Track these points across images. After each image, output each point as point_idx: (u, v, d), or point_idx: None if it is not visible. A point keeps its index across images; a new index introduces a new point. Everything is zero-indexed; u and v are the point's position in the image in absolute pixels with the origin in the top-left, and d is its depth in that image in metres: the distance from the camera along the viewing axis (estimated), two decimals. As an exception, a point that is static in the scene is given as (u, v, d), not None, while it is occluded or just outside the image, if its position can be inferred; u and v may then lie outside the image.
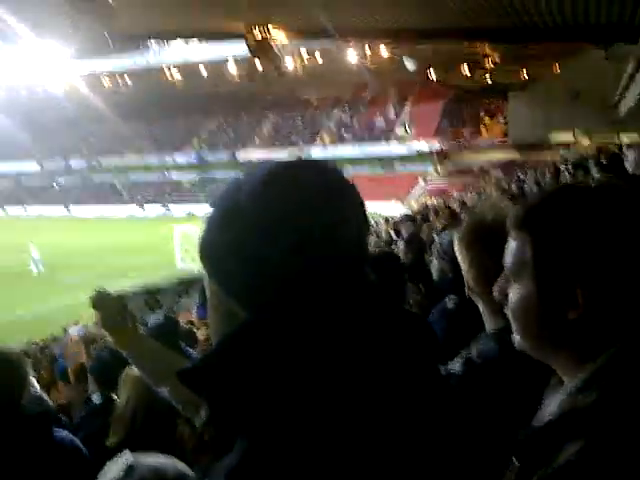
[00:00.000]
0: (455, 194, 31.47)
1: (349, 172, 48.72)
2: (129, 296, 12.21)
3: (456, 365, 1.52)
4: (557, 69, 24.74)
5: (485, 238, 1.51)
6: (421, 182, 45.37)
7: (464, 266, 1.60)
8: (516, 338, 1.00)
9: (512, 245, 0.98)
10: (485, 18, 12.15)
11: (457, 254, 1.62)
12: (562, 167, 9.67)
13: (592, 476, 0.79)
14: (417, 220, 14.53)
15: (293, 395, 0.78)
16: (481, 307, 1.62)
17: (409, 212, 25.34)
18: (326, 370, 0.80)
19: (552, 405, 0.94)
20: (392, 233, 12.65)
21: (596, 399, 0.84)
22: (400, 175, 46.56)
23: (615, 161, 5.06)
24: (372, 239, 14.43)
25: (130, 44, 40.94)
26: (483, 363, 1.47)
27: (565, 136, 31.91)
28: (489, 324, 1.58)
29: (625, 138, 25.18)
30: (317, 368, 0.80)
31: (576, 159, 10.76)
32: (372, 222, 23.72)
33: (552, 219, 0.92)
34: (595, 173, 5.13)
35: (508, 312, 1.00)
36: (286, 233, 0.81)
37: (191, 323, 7.35)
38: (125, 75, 50.49)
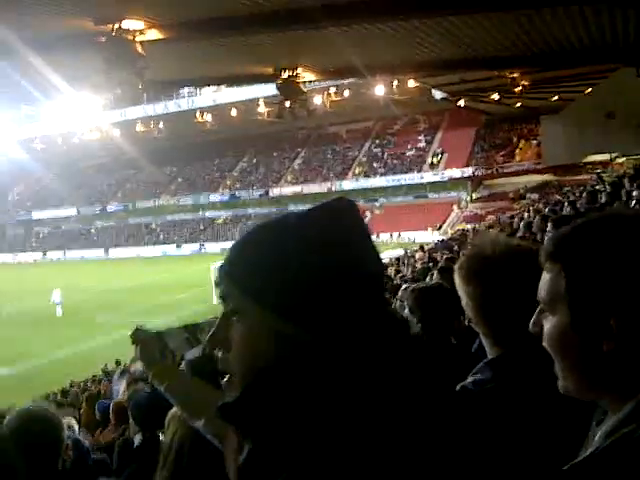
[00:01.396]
0: (491, 219, 31.17)
1: (382, 203, 49.01)
2: (169, 332, 12.36)
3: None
4: (589, 91, 24.47)
5: (483, 271, 1.53)
6: (455, 209, 45.12)
7: (463, 298, 1.61)
8: (560, 382, 0.98)
9: (546, 277, 0.98)
10: (511, 48, 12.17)
11: (457, 286, 1.63)
12: (599, 187, 9.51)
13: None
14: (453, 247, 14.40)
15: (339, 430, 0.77)
16: (482, 338, 1.64)
17: (444, 238, 25.16)
18: (372, 404, 0.80)
19: (598, 436, 0.92)
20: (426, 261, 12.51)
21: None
22: (434, 203, 46.40)
23: None
24: (409, 269, 14.29)
25: (163, 91, 42.10)
26: (478, 391, 1.47)
27: (600, 156, 31.43)
28: (489, 355, 1.60)
29: (663, 155, 24.67)
30: (364, 401, 0.79)
31: (613, 179, 10.56)
32: (407, 252, 23.57)
33: (584, 249, 0.92)
34: (634, 191, 5.02)
35: (545, 346, 0.98)
36: (329, 258, 0.83)
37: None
38: (159, 120, 51.82)
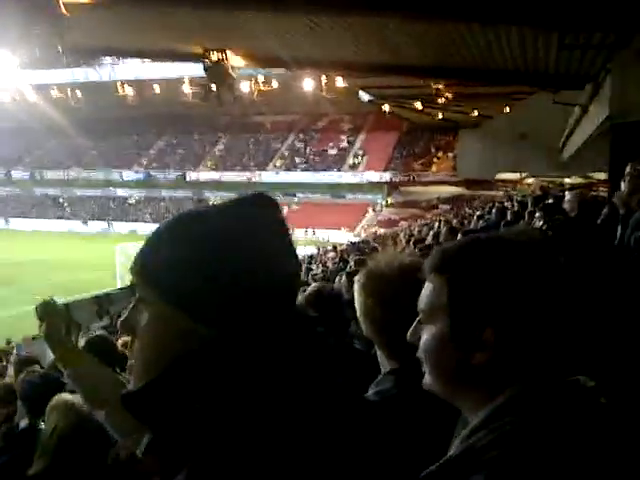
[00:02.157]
0: (403, 224, 31.91)
1: (300, 198, 49.19)
2: (77, 304, 11.83)
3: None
4: (507, 110, 25.50)
5: (377, 288, 1.57)
6: (371, 212, 45.90)
7: (358, 312, 1.64)
8: (426, 379, 1.03)
9: (428, 288, 1.02)
10: (440, 59, 12.45)
11: (355, 298, 1.66)
12: (507, 204, 9.87)
13: None
14: (365, 250, 14.58)
15: (238, 426, 0.79)
16: (377, 350, 1.66)
17: (357, 240, 25.52)
18: (275, 396, 0.81)
19: (455, 443, 0.97)
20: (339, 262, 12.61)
21: (493, 438, 0.88)
22: (351, 204, 47.00)
23: (556, 203, 5.21)
24: (320, 268, 14.35)
25: (83, 58, 40.33)
26: (380, 400, 1.50)
27: (511, 175, 32.86)
28: (384, 368, 1.62)
29: (567, 179, 26.11)
30: (267, 393, 0.81)
31: (521, 198, 11.02)
32: (320, 250, 23.73)
33: (468, 264, 0.97)
34: (537, 213, 5.23)
35: (420, 354, 1.03)
36: (236, 257, 0.84)
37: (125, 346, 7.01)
38: (76, 88, 49.54)
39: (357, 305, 1.63)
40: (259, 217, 0.89)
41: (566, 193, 5.57)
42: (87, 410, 1.77)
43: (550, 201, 5.85)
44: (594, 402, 0.93)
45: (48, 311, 1.75)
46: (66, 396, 2.53)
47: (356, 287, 1.64)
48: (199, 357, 0.83)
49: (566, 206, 5.01)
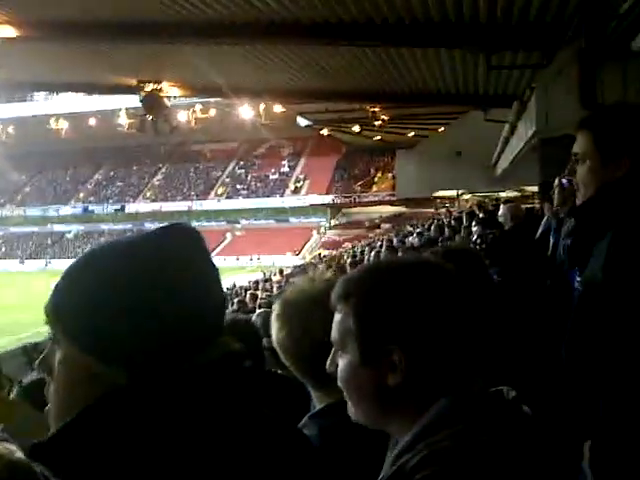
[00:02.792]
0: (347, 246, 32.17)
1: (243, 225, 49.01)
2: (6, 357, 11.32)
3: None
4: (441, 129, 26.19)
5: (289, 318, 1.52)
6: (315, 234, 46.10)
7: (274, 343, 1.57)
8: (349, 410, 1.04)
9: (337, 318, 1.04)
10: (375, 83, 12.72)
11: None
12: (446, 221, 10.11)
13: None
14: (309, 272, 14.58)
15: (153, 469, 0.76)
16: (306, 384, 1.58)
17: (303, 263, 25.54)
18: (187, 444, 0.78)
19: (386, 466, 0.98)
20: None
21: (424, 456, 0.88)
22: (295, 228, 47.10)
23: (490, 217, 5.38)
24: (264, 294, 14.28)
25: (15, 92, 39.33)
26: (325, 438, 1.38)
27: (449, 192, 33.63)
28: (316, 403, 1.54)
29: (502, 194, 26.92)
30: (181, 440, 0.78)
31: (458, 214, 11.30)
32: (265, 275, 23.61)
33: (368, 289, 1.00)
34: (473, 227, 5.39)
35: (339, 384, 1.04)
36: (130, 300, 0.80)
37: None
38: (9, 124, 48.21)
39: (273, 338, 1.57)
40: (176, 248, 0.86)
41: (500, 207, 5.76)
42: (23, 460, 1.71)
43: (484, 215, 6.04)
44: (518, 412, 0.96)
45: None
46: None
47: (272, 318, 1.58)
48: (106, 404, 0.79)
49: (501, 219, 5.19)
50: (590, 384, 1.60)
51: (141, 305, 0.80)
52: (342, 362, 1.03)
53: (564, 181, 4.72)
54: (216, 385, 0.84)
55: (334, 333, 1.04)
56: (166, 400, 0.79)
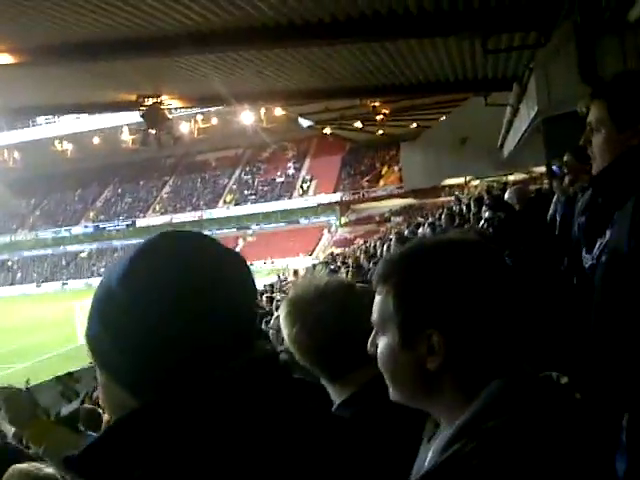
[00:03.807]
0: (359, 242, 32.16)
1: (254, 230, 49.09)
2: (38, 388, 11.31)
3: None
4: (444, 118, 26.09)
5: (299, 313, 1.53)
6: (326, 234, 46.09)
7: (288, 344, 1.58)
8: (390, 392, 1.03)
9: (377, 299, 1.03)
10: (373, 78, 12.70)
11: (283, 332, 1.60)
12: (455, 208, 10.08)
13: None
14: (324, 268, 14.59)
15: None
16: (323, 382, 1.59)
17: (315, 263, 25.55)
18: (212, 458, 0.76)
19: (430, 456, 0.96)
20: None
21: (474, 447, 0.85)
22: (305, 228, 47.12)
23: (498, 200, 5.37)
24: (280, 295, 14.29)
25: (17, 119, 39.65)
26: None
27: (457, 179, 33.53)
28: (333, 395, 1.54)
29: (511, 177, 26.79)
30: (204, 456, 0.76)
31: (467, 201, 11.27)
32: (281, 277, 23.65)
33: (409, 270, 0.98)
34: (484, 212, 5.39)
35: (379, 366, 1.03)
36: (161, 314, 0.79)
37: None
38: (13, 149, 48.64)
39: (286, 337, 1.57)
40: (194, 257, 0.84)
41: (507, 190, 5.75)
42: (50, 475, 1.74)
43: (491, 200, 6.03)
44: (571, 399, 0.94)
45: (9, 400, 1.72)
46: (22, 465, 2.48)
47: (281, 319, 1.59)
48: (124, 427, 0.79)
49: (508, 202, 5.18)
50: (622, 357, 1.56)
51: (175, 333, 0.79)
52: (381, 344, 1.01)
53: (554, 168, 4.69)
54: (257, 388, 0.83)
55: (374, 314, 1.03)
56: (199, 409, 0.78)
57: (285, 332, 1.57)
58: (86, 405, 3.95)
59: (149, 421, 0.78)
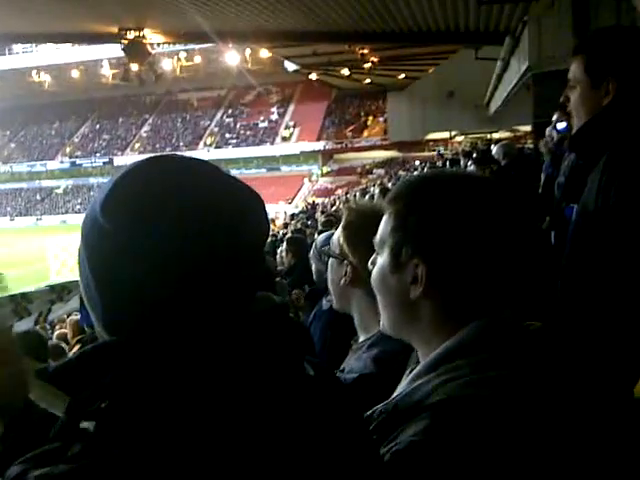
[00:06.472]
0: (341, 193, 32.03)
1: (234, 174, 48.34)
2: None
3: (361, 364, 1.45)
4: (432, 70, 25.75)
5: (369, 229, 1.45)
6: (307, 182, 45.86)
7: (353, 259, 1.55)
8: (381, 315, 1.03)
9: (383, 218, 1.03)
10: (363, 23, 12.41)
11: (344, 248, 1.57)
12: (439, 163, 10.00)
13: (436, 454, 0.81)
14: (302, 220, 14.56)
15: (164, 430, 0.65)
16: (364, 300, 1.53)
17: (296, 212, 25.48)
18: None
19: (403, 385, 0.98)
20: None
21: (442, 381, 0.87)
22: (286, 176, 46.80)
23: (485, 155, 5.34)
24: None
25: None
26: (390, 359, 1.37)
27: (442, 134, 33.37)
28: (373, 320, 1.45)
29: (496, 135, 26.71)
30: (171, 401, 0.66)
31: (452, 155, 11.20)
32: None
33: (412, 199, 0.97)
34: (469, 166, 5.34)
35: (372, 286, 1.04)
36: (146, 242, 0.69)
37: (64, 339, 6.78)
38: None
39: (349, 252, 1.54)
40: (186, 180, 0.73)
41: (492, 146, 5.71)
42: None
43: (477, 154, 5.98)
44: (545, 344, 0.96)
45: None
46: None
47: (343, 235, 1.56)
48: (93, 355, 0.76)
49: (495, 157, 5.16)
50: (588, 309, 1.58)
51: (161, 262, 0.69)
52: (377, 264, 1.02)
53: (561, 126, 4.60)
54: (255, 345, 0.72)
55: (377, 233, 1.04)
56: (177, 353, 0.69)
57: (351, 251, 1.54)
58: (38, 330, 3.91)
59: (121, 354, 0.70)
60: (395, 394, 0.98)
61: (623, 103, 1.61)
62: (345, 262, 1.57)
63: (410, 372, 1.00)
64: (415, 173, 10.28)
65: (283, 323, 0.77)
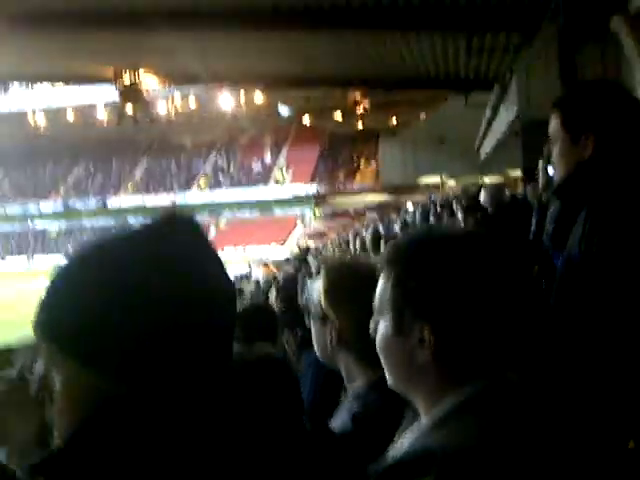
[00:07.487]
0: (333, 236, 32.10)
1: (227, 217, 48.71)
2: None
3: (339, 421, 1.46)
4: (423, 116, 26.19)
5: (352, 288, 1.49)
6: (300, 225, 45.98)
7: (332, 317, 1.54)
8: (387, 376, 1.04)
9: (380, 282, 1.03)
10: (357, 68, 12.66)
11: (327, 310, 1.56)
12: (430, 208, 10.07)
13: None
14: (295, 264, 14.52)
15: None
16: (352, 359, 1.54)
17: (289, 256, 25.46)
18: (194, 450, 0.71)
19: (405, 442, 0.97)
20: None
21: (447, 437, 0.87)
22: (280, 219, 46.93)
23: (475, 202, 5.39)
24: (252, 285, 14.19)
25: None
26: (370, 416, 1.43)
27: (433, 179, 33.68)
28: (361, 377, 1.51)
29: (486, 179, 26.99)
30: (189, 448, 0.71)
31: (442, 200, 11.30)
32: (251, 267, 23.50)
33: (410, 262, 0.97)
34: (459, 213, 5.36)
35: (377, 348, 1.04)
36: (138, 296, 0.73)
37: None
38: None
39: (327, 310, 1.54)
40: (174, 242, 0.79)
41: (482, 191, 5.76)
42: None
43: (466, 201, 6.05)
44: (545, 412, 0.96)
45: None
46: None
47: (324, 292, 1.55)
48: (99, 420, 0.73)
49: (484, 203, 5.19)
50: (574, 357, 1.59)
51: (134, 307, 0.72)
52: (379, 329, 1.03)
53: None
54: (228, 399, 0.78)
55: (376, 297, 1.04)
56: (172, 411, 0.72)
57: (331, 309, 1.53)
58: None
59: (119, 414, 0.72)
60: (395, 450, 0.99)
61: (601, 158, 1.63)
62: (328, 323, 1.55)
63: (409, 427, 1.02)
64: (408, 218, 10.34)
65: (267, 378, 0.81)
